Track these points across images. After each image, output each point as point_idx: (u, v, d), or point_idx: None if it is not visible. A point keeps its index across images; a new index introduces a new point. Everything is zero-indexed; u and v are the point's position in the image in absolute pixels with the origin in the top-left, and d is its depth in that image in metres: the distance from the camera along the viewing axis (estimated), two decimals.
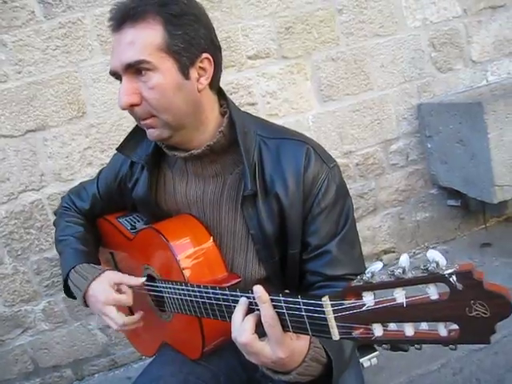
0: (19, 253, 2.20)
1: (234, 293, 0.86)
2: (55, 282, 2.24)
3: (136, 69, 0.92)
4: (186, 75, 0.95)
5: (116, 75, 0.97)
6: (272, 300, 0.78)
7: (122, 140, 2.11)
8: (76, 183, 2.16)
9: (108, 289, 1.12)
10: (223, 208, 1.07)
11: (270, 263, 1.05)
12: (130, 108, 0.95)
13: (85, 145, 2.15)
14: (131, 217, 1.27)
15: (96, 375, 2.40)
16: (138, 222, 1.24)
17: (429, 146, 2.55)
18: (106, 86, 2.13)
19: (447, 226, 2.75)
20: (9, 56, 2.05)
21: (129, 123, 2.16)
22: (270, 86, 2.29)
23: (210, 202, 1.08)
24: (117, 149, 1.16)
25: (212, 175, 1.07)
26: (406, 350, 0.93)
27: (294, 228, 1.02)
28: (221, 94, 1.08)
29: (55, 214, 1.38)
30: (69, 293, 1.23)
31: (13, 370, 2.33)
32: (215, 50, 1.00)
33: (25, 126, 2.11)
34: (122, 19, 0.92)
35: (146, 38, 0.91)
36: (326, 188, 1.02)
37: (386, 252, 2.66)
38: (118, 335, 2.36)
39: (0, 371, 2.32)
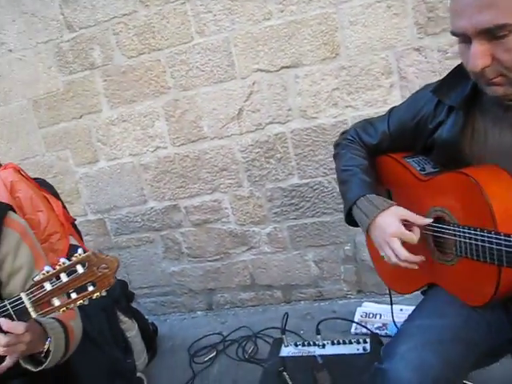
0: (257, 179, 2.42)
1: None
2: (284, 210, 2.44)
3: (492, 33, 0.90)
4: None
5: (461, 36, 0.96)
6: None
7: (369, 84, 2.13)
8: (319, 122, 2.28)
9: (396, 222, 1.18)
10: None
11: None
12: (481, 70, 0.95)
13: (333, 85, 2.22)
14: (418, 158, 1.28)
15: (302, 302, 2.61)
16: (426, 164, 1.26)
17: None
18: (361, 30, 2.15)
19: None
20: None
21: (378, 68, 2.16)
22: None
23: None
24: (431, 91, 1.18)
25: None
26: None
27: None
28: None
29: (335, 146, 1.46)
30: (349, 219, 1.33)
31: (233, 281, 2.65)
32: None
33: (280, 62, 2.25)
34: None
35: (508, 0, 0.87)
36: None
37: None
38: (330, 270, 2.50)
39: (224, 279, 2.66)
